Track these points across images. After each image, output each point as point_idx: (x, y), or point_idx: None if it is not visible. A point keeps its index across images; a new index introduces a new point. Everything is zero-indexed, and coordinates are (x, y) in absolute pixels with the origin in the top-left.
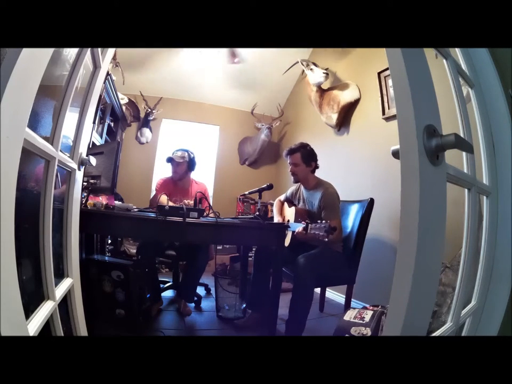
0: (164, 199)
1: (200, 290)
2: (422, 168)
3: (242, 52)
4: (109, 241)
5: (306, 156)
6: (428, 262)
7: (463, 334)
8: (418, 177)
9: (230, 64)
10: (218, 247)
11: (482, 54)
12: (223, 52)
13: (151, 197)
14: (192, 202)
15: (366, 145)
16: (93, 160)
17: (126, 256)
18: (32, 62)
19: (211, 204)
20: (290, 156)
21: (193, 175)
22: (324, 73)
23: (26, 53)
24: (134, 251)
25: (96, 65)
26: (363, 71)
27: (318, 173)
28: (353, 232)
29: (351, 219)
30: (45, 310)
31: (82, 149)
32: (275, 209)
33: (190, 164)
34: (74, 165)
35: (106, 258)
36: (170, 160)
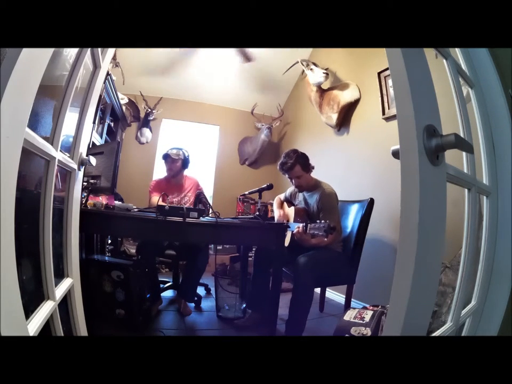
0: (160, 200)
1: (200, 290)
2: (422, 168)
3: (248, 52)
4: (109, 241)
5: (304, 164)
6: (427, 262)
7: (463, 334)
8: (418, 177)
9: (231, 64)
10: (218, 247)
11: (482, 54)
12: (226, 53)
13: (149, 199)
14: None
15: (366, 145)
16: (93, 160)
17: (126, 256)
18: (32, 62)
19: (211, 204)
20: (290, 172)
21: (187, 172)
22: (324, 73)
23: (26, 53)
24: (134, 251)
25: (96, 65)
26: (363, 71)
27: (318, 173)
28: (353, 232)
29: (351, 219)
30: (45, 310)
31: (82, 149)
32: (275, 205)
33: (184, 162)
34: (74, 165)
35: (106, 258)
36: (166, 156)
